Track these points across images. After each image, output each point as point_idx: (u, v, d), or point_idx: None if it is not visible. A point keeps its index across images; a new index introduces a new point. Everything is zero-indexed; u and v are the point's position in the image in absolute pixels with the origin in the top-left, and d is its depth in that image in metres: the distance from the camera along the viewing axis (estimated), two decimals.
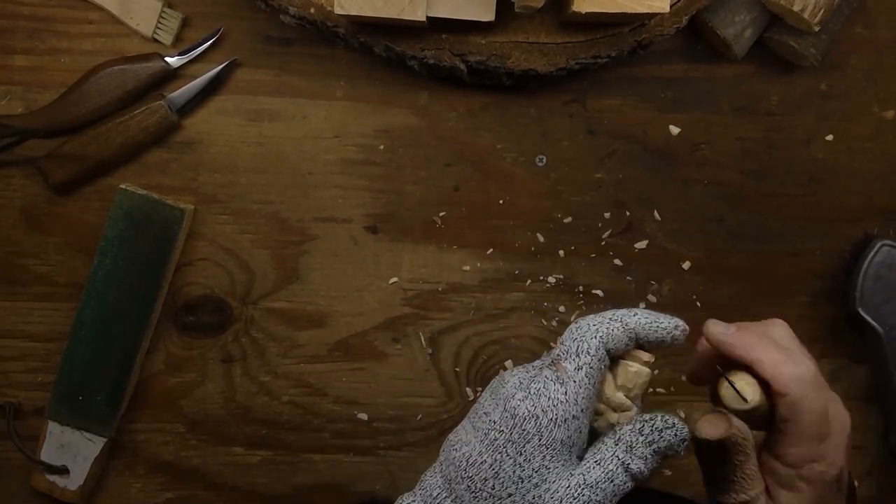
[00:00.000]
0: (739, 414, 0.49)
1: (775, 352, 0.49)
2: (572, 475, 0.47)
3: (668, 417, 0.48)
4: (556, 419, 0.47)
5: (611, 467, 0.47)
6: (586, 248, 0.73)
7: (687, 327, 0.50)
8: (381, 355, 0.73)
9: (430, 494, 0.49)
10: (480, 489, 0.48)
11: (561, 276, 0.73)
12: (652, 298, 0.73)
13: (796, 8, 0.65)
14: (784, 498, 0.50)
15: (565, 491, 0.47)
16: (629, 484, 0.47)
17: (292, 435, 0.73)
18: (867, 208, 0.73)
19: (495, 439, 0.48)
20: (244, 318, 0.72)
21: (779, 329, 0.51)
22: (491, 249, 0.73)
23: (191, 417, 0.72)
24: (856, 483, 0.55)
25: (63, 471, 0.70)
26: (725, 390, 0.49)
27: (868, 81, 0.73)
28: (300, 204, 0.72)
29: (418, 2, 0.60)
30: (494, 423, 0.48)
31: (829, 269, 0.74)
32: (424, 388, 0.73)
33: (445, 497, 0.49)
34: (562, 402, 0.47)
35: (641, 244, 0.73)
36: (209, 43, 0.70)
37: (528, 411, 0.47)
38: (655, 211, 0.73)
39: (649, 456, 0.47)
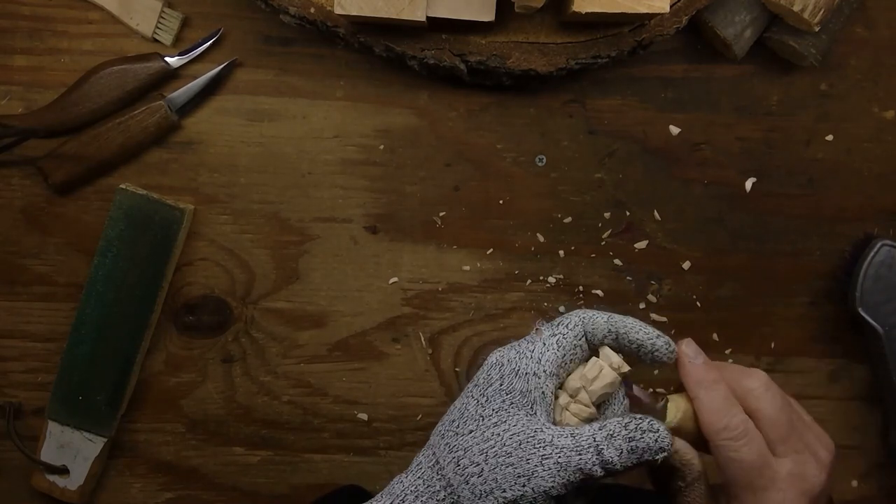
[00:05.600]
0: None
1: (717, 398, 0.50)
2: (541, 430, 0.49)
3: (655, 423, 0.49)
4: (518, 370, 0.50)
5: (583, 442, 0.48)
6: (586, 248, 0.73)
7: (674, 347, 0.51)
8: (381, 355, 0.73)
9: (417, 458, 0.52)
10: (447, 430, 0.51)
11: (561, 276, 0.73)
12: (652, 298, 0.73)
13: (796, 8, 0.65)
14: None
15: (528, 438, 0.48)
16: (596, 468, 0.48)
17: (292, 435, 0.73)
18: (867, 208, 0.73)
19: (468, 387, 0.52)
20: (244, 318, 0.72)
21: (746, 373, 0.52)
22: (491, 249, 0.73)
23: (191, 417, 0.72)
24: None
25: (63, 471, 0.70)
26: (662, 407, 0.52)
27: (868, 81, 0.73)
28: (300, 204, 0.72)
29: (418, 2, 0.60)
30: (472, 378, 0.52)
31: (829, 269, 0.74)
32: (424, 388, 0.73)
33: (423, 450, 0.52)
34: (526, 356, 0.50)
35: (641, 244, 0.73)
36: (209, 43, 0.70)
37: (496, 360, 0.51)
38: (655, 211, 0.73)
39: (625, 451, 0.48)
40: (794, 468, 0.50)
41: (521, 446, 0.48)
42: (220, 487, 0.73)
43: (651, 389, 0.74)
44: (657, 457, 0.48)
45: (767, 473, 0.49)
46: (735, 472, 0.49)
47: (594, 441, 0.48)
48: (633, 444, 0.48)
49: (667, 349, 0.51)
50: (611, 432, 0.48)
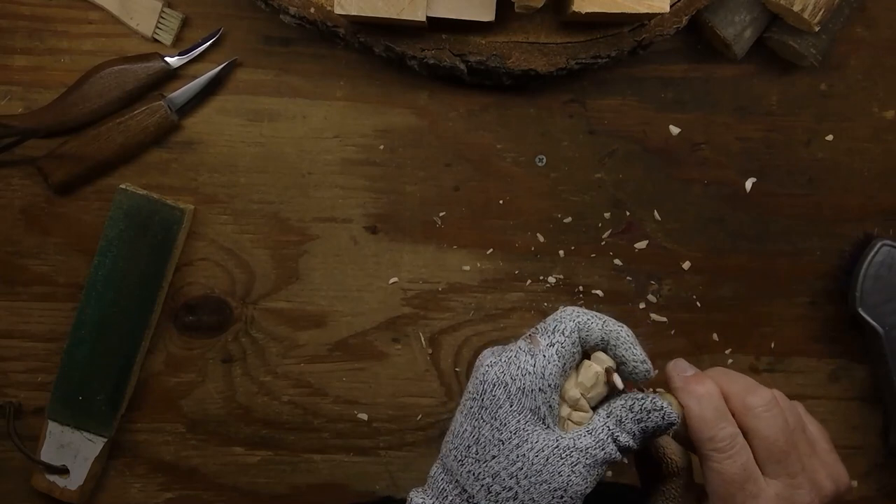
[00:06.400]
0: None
1: (706, 409, 0.50)
2: (561, 438, 0.49)
3: (657, 400, 0.49)
4: (525, 388, 0.49)
5: (601, 436, 0.49)
6: (586, 248, 0.73)
7: (654, 375, 0.52)
8: (381, 355, 0.73)
9: (436, 483, 0.51)
10: (465, 456, 0.49)
11: (561, 276, 0.73)
12: (652, 298, 0.73)
13: (796, 8, 0.65)
14: None
15: (553, 451, 0.48)
16: (617, 455, 0.49)
17: (292, 435, 0.73)
18: (867, 208, 0.73)
19: (471, 407, 0.50)
20: (244, 318, 0.72)
21: (750, 390, 0.51)
22: (491, 249, 0.73)
23: (191, 417, 0.72)
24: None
25: (63, 471, 0.70)
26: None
27: (868, 81, 0.73)
28: (300, 204, 0.72)
29: (418, 2, 0.60)
30: (469, 392, 0.51)
31: (829, 269, 0.74)
32: (424, 388, 0.73)
33: (440, 473, 0.51)
34: (530, 372, 0.49)
35: (641, 244, 0.73)
36: (209, 43, 0.70)
37: (498, 377, 0.50)
38: (655, 211, 0.73)
39: (637, 432, 0.49)
40: (783, 491, 0.49)
41: (549, 461, 0.48)
42: (220, 487, 0.73)
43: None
44: (667, 431, 0.49)
45: (750, 490, 0.49)
46: (716, 484, 0.49)
47: (609, 431, 0.49)
48: (642, 425, 0.49)
49: (644, 375, 0.51)
50: (619, 418, 0.49)
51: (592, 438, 0.49)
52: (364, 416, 0.73)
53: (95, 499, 0.73)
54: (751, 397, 0.50)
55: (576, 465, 0.48)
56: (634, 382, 0.51)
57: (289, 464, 0.73)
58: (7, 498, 0.72)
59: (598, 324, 0.51)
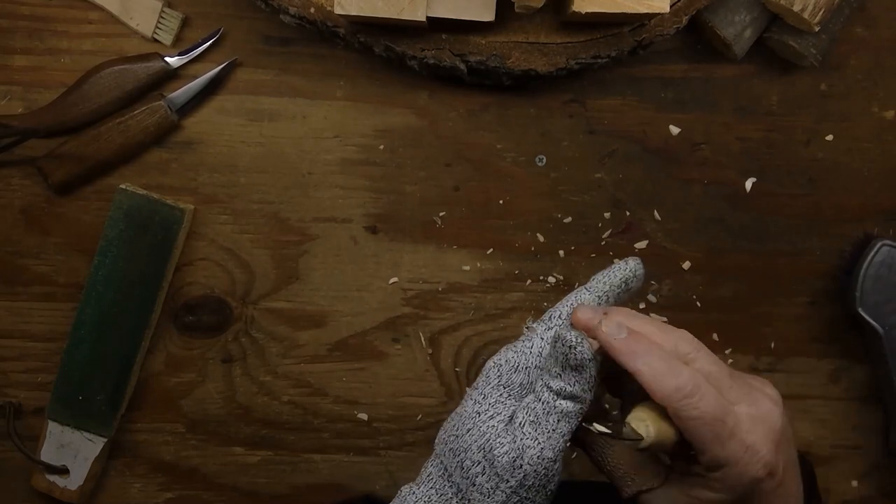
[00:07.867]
0: (643, 451, 0.48)
1: (657, 362, 0.47)
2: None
3: (567, 335, 0.47)
4: (518, 366, 0.51)
5: (537, 389, 0.49)
6: (586, 248, 0.73)
7: (639, 258, 0.54)
8: (381, 355, 0.73)
9: (425, 468, 0.52)
10: (449, 436, 0.51)
11: (561, 277, 0.73)
12: (652, 298, 0.73)
13: (796, 8, 0.65)
14: (707, 500, 0.49)
15: (511, 416, 0.49)
16: (562, 402, 0.47)
17: (292, 435, 0.73)
18: (867, 208, 0.73)
19: (469, 395, 0.52)
20: (244, 318, 0.72)
21: (677, 336, 0.49)
22: (491, 249, 0.73)
23: (191, 417, 0.72)
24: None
25: (63, 471, 0.70)
26: (623, 432, 0.48)
27: (868, 81, 0.73)
28: (300, 204, 0.72)
29: (418, 2, 0.60)
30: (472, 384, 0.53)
31: (829, 269, 0.74)
32: (424, 388, 0.73)
33: (430, 458, 0.52)
34: (524, 353, 0.51)
35: (641, 244, 0.73)
36: (209, 43, 0.70)
37: (495, 362, 0.52)
38: (655, 211, 0.73)
39: (561, 372, 0.47)
40: (751, 409, 0.48)
41: (508, 429, 0.48)
42: (220, 487, 0.73)
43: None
44: (573, 356, 0.46)
45: (730, 421, 0.47)
46: (700, 429, 0.46)
47: (543, 382, 0.48)
48: (561, 361, 0.47)
49: (636, 265, 0.54)
50: (547, 367, 0.48)
51: (533, 395, 0.49)
52: (364, 416, 0.73)
53: (95, 499, 0.73)
54: (682, 345, 0.49)
55: (524, 425, 0.48)
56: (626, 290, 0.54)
57: (289, 464, 0.73)
58: (7, 498, 0.72)
59: (584, 292, 0.53)
